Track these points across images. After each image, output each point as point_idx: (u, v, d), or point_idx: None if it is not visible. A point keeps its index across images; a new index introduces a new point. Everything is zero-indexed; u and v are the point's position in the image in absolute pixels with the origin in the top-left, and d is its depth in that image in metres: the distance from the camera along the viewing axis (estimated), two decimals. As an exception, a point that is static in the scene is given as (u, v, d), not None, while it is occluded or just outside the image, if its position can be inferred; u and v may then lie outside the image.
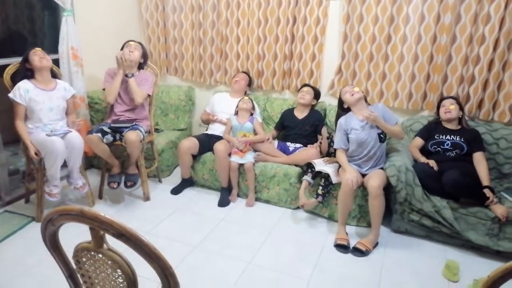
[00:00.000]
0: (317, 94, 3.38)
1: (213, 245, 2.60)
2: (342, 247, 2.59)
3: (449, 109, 2.86)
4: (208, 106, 3.67)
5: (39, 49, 2.69)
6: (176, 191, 3.33)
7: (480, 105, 3.06)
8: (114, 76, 3.03)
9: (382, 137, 2.69)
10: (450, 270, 2.37)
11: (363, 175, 2.72)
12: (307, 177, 2.91)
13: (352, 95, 2.74)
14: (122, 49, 3.06)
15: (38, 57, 2.65)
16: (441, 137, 2.85)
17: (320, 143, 3.20)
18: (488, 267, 2.45)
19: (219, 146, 3.12)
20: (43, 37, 3.70)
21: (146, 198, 3.16)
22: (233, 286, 2.21)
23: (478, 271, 2.37)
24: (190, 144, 3.23)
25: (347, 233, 2.70)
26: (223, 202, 3.17)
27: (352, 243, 2.62)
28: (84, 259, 1.04)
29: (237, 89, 3.59)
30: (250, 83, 3.70)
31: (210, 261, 2.43)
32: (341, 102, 2.90)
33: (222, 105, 3.56)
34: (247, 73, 3.69)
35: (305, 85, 3.40)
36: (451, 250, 2.64)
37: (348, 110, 2.83)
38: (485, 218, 2.50)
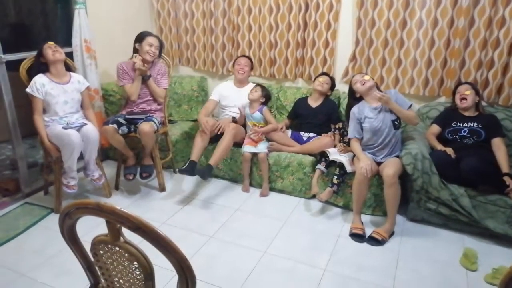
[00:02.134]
0: (333, 85, 3.33)
1: (229, 235, 2.62)
2: (358, 236, 2.57)
3: (465, 95, 2.79)
4: (213, 95, 3.47)
5: (52, 43, 2.71)
6: (182, 170, 2.97)
7: (499, 90, 2.98)
8: (128, 72, 3.05)
9: (397, 123, 2.65)
10: (468, 258, 2.34)
11: (379, 164, 2.68)
12: (321, 166, 2.89)
13: (363, 84, 2.69)
14: (139, 41, 3.03)
15: (51, 50, 2.68)
16: (458, 124, 2.79)
17: (334, 134, 3.16)
18: (508, 256, 2.41)
19: (231, 125, 3.12)
20: (56, 31, 3.73)
21: (162, 189, 3.19)
22: (249, 275, 2.23)
23: (497, 260, 2.33)
24: (213, 122, 3.15)
25: (362, 222, 2.68)
26: (204, 175, 2.99)
27: (368, 232, 2.61)
28: (101, 252, 1.06)
29: (243, 78, 3.45)
30: (253, 67, 3.57)
31: (226, 250, 2.45)
32: (351, 91, 2.85)
33: (230, 100, 3.41)
34: (247, 57, 3.55)
35: (323, 73, 3.34)
36: (468, 238, 2.60)
37: (360, 99, 2.79)
38: (505, 206, 2.45)
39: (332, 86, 3.32)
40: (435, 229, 2.71)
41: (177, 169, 3.14)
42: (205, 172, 2.98)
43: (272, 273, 2.25)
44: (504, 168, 2.54)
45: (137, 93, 3.05)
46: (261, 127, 3.22)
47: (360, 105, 2.76)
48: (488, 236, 2.57)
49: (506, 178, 2.47)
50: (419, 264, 2.35)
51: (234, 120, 3.32)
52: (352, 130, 2.78)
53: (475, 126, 2.74)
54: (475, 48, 2.94)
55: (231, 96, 3.42)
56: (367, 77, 2.71)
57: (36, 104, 2.67)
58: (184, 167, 2.97)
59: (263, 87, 3.29)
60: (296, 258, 2.38)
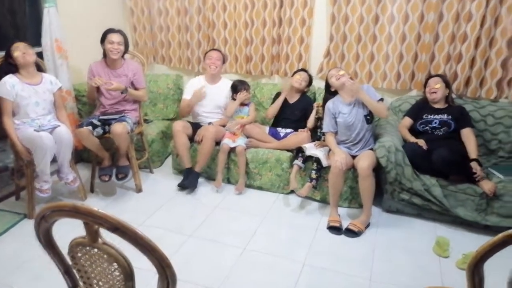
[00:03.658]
0: (310, 82, 3.36)
1: (208, 232, 2.62)
2: (335, 229, 2.63)
3: (434, 89, 2.88)
4: (187, 94, 3.34)
5: (21, 43, 2.61)
6: (182, 186, 3.14)
7: (467, 82, 3.09)
8: (97, 73, 2.99)
9: (369, 118, 2.72)
10: (441, 246, 2.43)
11: (354, 157, 2.74)
12: (298, 162, 2.93)
13: (338, 79, 2.74)
14: (102, 40, 2.97)
15: (21, 52, 2.59)
16: (429, 116, 2.88)
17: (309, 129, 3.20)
18: (477, 242, 2.49)
19: (209, 128, 3.13)
20: (25, 30, 3.61)
21: (139, 189, 3.15)
22: (229, 272, 2.24)
23: (467, 246, 2.43)
24: (183, 123, 3.18)
25: (339, 215, 2.73)
26: (191, 184, 3.12)
27: (345, 224, 2.66)
28: (79, 255, 1.04)
29: (216, 74, 3.33)
30: (224, 60, 3.42)
31: (205, 248, 2.46)
32: (328, 85, 2.90)
33: (205, 100, 3.31)
34: (218, 50, 3.41)
35: (302, 69, 3.37)
36: (441, 227, 2.70)
37: (335, 93, 2.84)
38: (474, 194, 2.55)
39: (309, 82, 3.36)
40: (409, 219, 2.79)
41: (177, 186, 3.15)
42: (194, 181, 3.14)
43: (252, 269, 2.27)
44: (473, 155, 2.65)
45: (91, 98, 3.12)
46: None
47: (334, 100, 2.80)
48: (459, 223, 2.67)
49: (473, 164, 2.57)
50: (394, 253, 2.42)
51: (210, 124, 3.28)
52: (327, 124, 2.82)
53: (445, 117, 2.84)
54: (444, 42, 3.04)
55: (206, 97, 3.33)
56: (342, 72, 2.76)
57: (6, 106, 2.58)
58: (185, 181, 3.11)
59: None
60: (276, 253, 2.41)
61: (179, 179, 3.32)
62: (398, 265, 2.31)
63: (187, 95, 3.35)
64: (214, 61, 3.27)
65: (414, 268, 2.29)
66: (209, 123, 3.29)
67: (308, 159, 2.93)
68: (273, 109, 3.29)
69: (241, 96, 3.23)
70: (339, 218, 2.70)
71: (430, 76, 3.01)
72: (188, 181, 3.12)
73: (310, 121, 3.18)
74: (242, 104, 3.30)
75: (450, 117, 2.82)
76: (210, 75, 3.35)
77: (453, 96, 3.05)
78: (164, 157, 3.76)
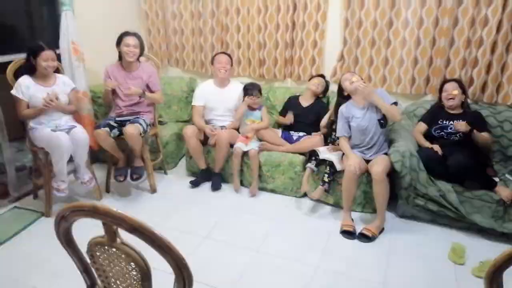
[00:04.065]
0: (327, 88, 3.37)
1: (221, 235, 2.63)
2: (348, 233, 2.61)
3: (452, 95, 2.84)
4: (197, 100, 3.34)
5: (50, 53, 2.63)
6: (194, 183, 3.29)
7: (483, 88, 3.05)
8: (113, 76, 3.05)
9: (383, 122, 2.70)
10: (456, 253, 2.39)
11: (367, 161, 2.73)
12: (311, 165, 2.92)
13: (352, 83, 2.73)
14: (118, 43, 3.02)
15: (46, 64, 2.62)
16: (444, 122, 2.85)
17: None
18: (494, 249, 2.47)
19: (222, 134, 3.13)
20: (42, 32, 3.69)
21: (153, 190, 3.19)
22: (242, 274, 2.24)
23: (484, 253, 2.38)
24: (193, 128, 3.22)
25: (352, 219, 2.72)
26: (217, 186, 3.24)
27: (358, 229, 2.64)
28: (98, 254, 1.06)
29: (225, 77, 3.32)
30: (232, 63, 3.40)
31: (219, 251, 2.47)
32: (340, 89, 2.89)
33: (214, 103, 3.31)
34: (227, 53, 3.38)
35: (321, 75, 3.38)
36: (456, 233, 2.66)
37: (348, 97, 2.83)
38: (490, 201, 2.51)
39: (326, 89, 3.36)
40: (424, 225, 2.76)
41: (211, 188, 3.26)
42: (218, 181, 3.27)
43: (265, 272, 2.27)
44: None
45: (107, 101, 3.13)
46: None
47: (348, 104, 2.80)
48: (475, 230, 2.63)
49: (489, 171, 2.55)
50: (408, 259, 2.40)
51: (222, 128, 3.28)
52: (340, 129, 2.81)
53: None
54: (460, 47, 3.00)
55: (215, 99, 3.33)
56: (355, 78, 2.74)
57: (21, 105, 2.64)
58: (213, 183, 3.26)
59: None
60: (288, 256, 2.41)
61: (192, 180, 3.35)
62: (413, 272, 2.29)
63: (196, 102, 3.36)
64: (224, 65, 3.26)
65: (429, 274, 2.26)
66: (222, 127, 3.30)
67: (321, 162, 2.92)
68: (281, 121, 3.44)
69: (248, 100, 3.23)
70: (352, 223, 2.68)
71: (445, 81, 2.96)
72: (213, 183, 3.26)
73: (323, 122, 3.17)
74: (253, 108, 3.30)
75: (465, 122, 2.78)
76: (220, 79, 3.34)
77: (469, 101, 3.01)
78: (178, 159, 3.79)
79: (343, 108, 2.80)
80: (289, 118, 3.36)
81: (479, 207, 2.55)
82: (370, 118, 2.69)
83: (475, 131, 2.68)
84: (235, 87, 3.39)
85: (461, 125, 2.66)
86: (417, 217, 2.79)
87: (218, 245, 2.52)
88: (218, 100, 3.33)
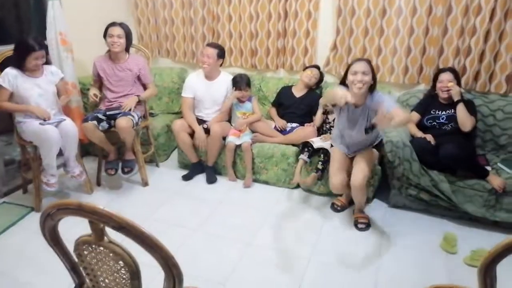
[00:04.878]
0: (321, 80, 3.33)
1: (213, 227, 2.62)
2: (336, 207, 2.79)
3: (448, 87, 2.78)
4: (186, 92, 3.26)
5: (41, 52, 2.57)
6: (186, 177, 3.28)
7: (476, 77, 3.03)
8: (101, 69, 3.02)
9: (369, 131, 2.50)
10: (448, 242, 2.41)
11: (352, 159, 2.63)
12: (304, 156, 2.91)
13: (359, 88, 2.33)
14: (105, 35, 2.96)
15: (36, 62, 2.57)
16: (436, 111, 2.84)
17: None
18: (485, 238, 2.50)
19: (215, 126, 3.10)
20: (29, 23, 3.60)
21: (145, 183, 3.15)
22: (235, 267, 2.24)
23: (475, 242, 2.40)
24: (181, 122, 3.18)
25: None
26: (212, 179, 3.23)
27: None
28: (85, 252, 1.04)
29: (206, 72, 3.21)
30: (222, 54, 3.20)
31: (210, 243, 2.45)
32: (345, 76, 2.45)
33: (203, 96, 3.23)
34: (216, 45, 3.20)
35: (315, 66, 3.33)
36: (449, 222, 2.67)
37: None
38: (482, 190, 2.52)
39: (320, 81, 3.32)
40: (416, 215, 2.77)
41: (207, 181, 3.25)
42: (212, 175, 3.26)
43: (258, 264, 2.26)
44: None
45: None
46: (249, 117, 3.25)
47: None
48: (467, 219, 2.65)
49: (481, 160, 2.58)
50: (401, 249, 2.41)
51: (206, 128, 3.19)
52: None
53: (453, 112, 2.79)
54: (453, 35, 2.98)
55: (203, 92, 3.24)
56: (348, 97, 2.16)
57: (2, 94, 2.57)
58: (208, 176, 3.24)
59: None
60: (281, 248, 2.41)
61: (184, 173, 3.32)
62: (405, 261, 2.30)
63: (185, 93, 3.28)
64: (206, 59, 3.11)
65: (421, 263, 2.28)
66: (203, 122, 3.26)
67: (314, 154, 2.91)
68: (273, 117, 3.40)
69: (236, 94, 3.19)
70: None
71: (440, 70, 2.90)
72: (208, 177, 3.24)
73: (317, 119, 3.15)
74: (242, 100, 3.26)
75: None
76: (206, 74, 3.24)
77: (462, 90, 3.00)
78: (170, 151, 3.75)
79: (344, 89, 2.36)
80: (282, 123, 3.26)
81: (471, 196, 2.56)
82: (359, 122, 2.47)
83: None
84: (224, 79, 3.29)
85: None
86: (410, 207, 2.80)
87: (210, 237, 2.51)
88: (206, 92, 3.25)
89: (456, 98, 2.74)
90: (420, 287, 2.00)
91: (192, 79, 3.29)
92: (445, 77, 2.82)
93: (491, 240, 2.46)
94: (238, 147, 3.15)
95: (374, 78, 2.37)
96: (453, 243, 2.40)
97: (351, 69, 2.35)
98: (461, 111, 2.70)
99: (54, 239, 1.06)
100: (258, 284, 2.12)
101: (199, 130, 3.15)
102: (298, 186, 3.08)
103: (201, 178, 3.30)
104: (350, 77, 2.34)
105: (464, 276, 2.16)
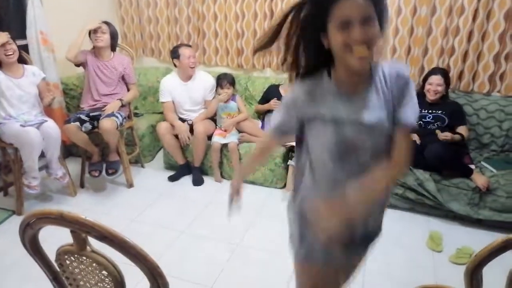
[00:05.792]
0: None
1: (201, 228, 2.59)
2: None
3: (437, 90, 2.79)
4: (164, 97, 3.20)
5: (5, 39, 2.49)
6: (173, 178, 3.24)
7: (460, 76, 3.08)
8: (88, 60, 2.94)
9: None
10: (434, 240, 2.43)
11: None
12: (292, 162, 2.90)
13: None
14: (90, 34, 2.92)
15: (5, 51, 2.49)
16: (423, 111, 2.86)
17: None
18: (470, 236, 2.53)
19: (198, 125, 3.07)
20: (9, 22, 3.50)
21: (130, 185, 3.10)
22: (223, 268, 2.22)
23: (460, 240, 2.44)
24: (166, 125, 3.14)
25: None
26: (198, 181, 3.19)
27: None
28: (67, 262, 1.01)
29: (194, 71, 3.19)
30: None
31: (198, 245, 2.43)
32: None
33: (180, 98, 3.20)
34: (188, 45, 3.26)
35: None
36: (434, 221, 2.70)
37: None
38: (467, 189, 2.56)
39: None
40: (402, 213, 2.79)
41: (193, 183, 3.19)
42: (199, 176, 3.21)
43: (246, 265, 2.25)
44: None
45: (74, 52, 2.86)
46: (235, 116, 3.22)
47: None
48: (452, 217, 2.68)
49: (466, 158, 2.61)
50: (387, 248, 2.42)
51: (190, 125, 3.19)
52: None
53: (439, 112, 2.82)
54: (437, 35, 3.01)
55: (180, 94, 3.20)
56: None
57: None
58: (194, 178, 3.19)
59: (230, 79, 3.25)
60: (270, 248, 2.40)
61: (170, 173, 3.28)
62: (391, 260, 2.31)
63: (163, 98, 3.21)
64: (193, 60, 3.10)
65: (408, 262, 2.30)
66: (188, 123, 3.22)
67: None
68: (261, 108, 3.36)
69: (220, 97, 3.18)
70: None
71: (432, 71, 2.87)
72: (194, 178, 3.20)
73: None
74: (225, 101, 3.23)
75: (444, 112, 2.81)
76: (189, 74, 3.18)
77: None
78: (155, 152, 3.71)
79: None
80: (269, 105, 3.24)
81: (456, 195, 2.60)
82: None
83: (450, 135, 2.64)
84: (202, 78, 3.25)
85: (446, 135, 2.61)
86: (396, 206, 2.82)
87: (197, 239, 2.48)
88: (184, 95, 3.20)
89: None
90: (407, 286, 2.02)
91: (167, 82, 3.21)
92: (435, 80, 2.80)
93: (475, 238, 2.50)
94: (224, 146, 3.12)
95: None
96: (438, 241, 2.43)
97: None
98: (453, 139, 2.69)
99: (34, 249, 1.02)
100: (246, 285, 2.11)
101: (178, 124, 3.12)
102: (285, 186, 3.07)
103: (187, 179, 3.26)
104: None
105: (450, 274, 2.19)
